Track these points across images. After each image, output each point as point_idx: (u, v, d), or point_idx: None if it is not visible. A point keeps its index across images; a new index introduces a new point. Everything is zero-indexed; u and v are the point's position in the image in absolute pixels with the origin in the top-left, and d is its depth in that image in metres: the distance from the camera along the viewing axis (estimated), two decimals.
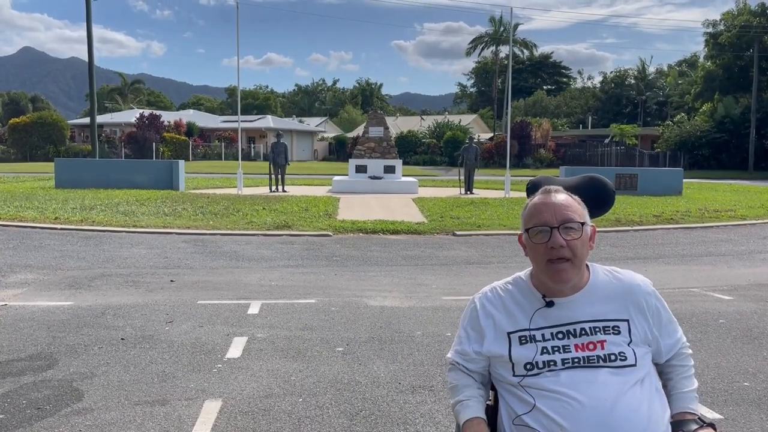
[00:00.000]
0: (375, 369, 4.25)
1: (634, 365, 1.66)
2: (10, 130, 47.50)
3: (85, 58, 25.79)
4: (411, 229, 11.36)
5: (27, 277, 7.13)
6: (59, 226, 11.00)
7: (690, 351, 1.86)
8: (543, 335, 1.70)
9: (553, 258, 1.66)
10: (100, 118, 48.33)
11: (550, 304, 1.71)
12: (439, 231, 11.40)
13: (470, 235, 11.12)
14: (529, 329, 1.71)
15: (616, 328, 1.69)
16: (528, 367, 1.68)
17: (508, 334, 1.73)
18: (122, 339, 4.84)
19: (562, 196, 1.71)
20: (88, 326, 5.16)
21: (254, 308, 5.81)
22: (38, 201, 14.56)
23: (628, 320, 1.71)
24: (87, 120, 37.73)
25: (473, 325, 1.82)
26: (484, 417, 1.75)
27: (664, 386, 1.78)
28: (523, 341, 1.71)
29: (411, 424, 3.41)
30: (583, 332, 1.68)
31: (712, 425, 1.68)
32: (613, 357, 1.65)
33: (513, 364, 1.70)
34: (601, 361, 1.65)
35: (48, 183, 20.53)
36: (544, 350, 1.68)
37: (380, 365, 4.32)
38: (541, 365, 1.67)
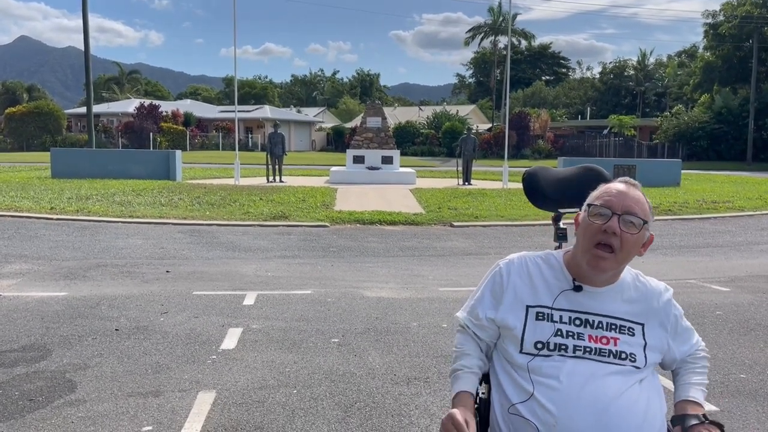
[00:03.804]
0: (370, 360, 4.23)
1: (640, 368, 1.65)
2: (7, 119, 47.30)
3: (83, 47, 25.61)
4: (408, 220, 11.33)
5: (21, 268, 7.09)
6: (55, 217, 10.95)
7: (705, 353, 1.85)
8: (561, 317, 1.67)
9: (601, 241, 1.62)
10: (97, 108, 48.11)
11: (578, 288, 1.69)
12: (437, 222, 11.37)
13: (468, 226, 11.10)
14: (551, 308, 1.69)
15: (631, 330, 1.69)
16: (539, 346, 1.65)
17: (527, 306, 1.71)
18: (116, 330, 4.81)
19: (638, 193, 1.69)
20: (83, 317, 5.14)
21: (250, 299, 5.78)
22: (34, 191, 14.50)
23: (643, 324, 1.71)
24: (84, 110, 37.50)
25: (492, 289, 1.79)
26: (473, 391, 1.73)
27: (673, 380, 1.80)
28: (540, 317, 1.68)
29: (405, 415, 3.40)
30: (600, 325, 1.67)
31: (718, 425, 1.65)
32: (623, 356, 1.64)
33: (523, 340, 1.67)
34: (612, 356, 1.63)
35: (44, 173, 20.45)
36: (559, 332, 1.66)
37: (375, 357, 4.30)
38: (552, 347, 1.64)
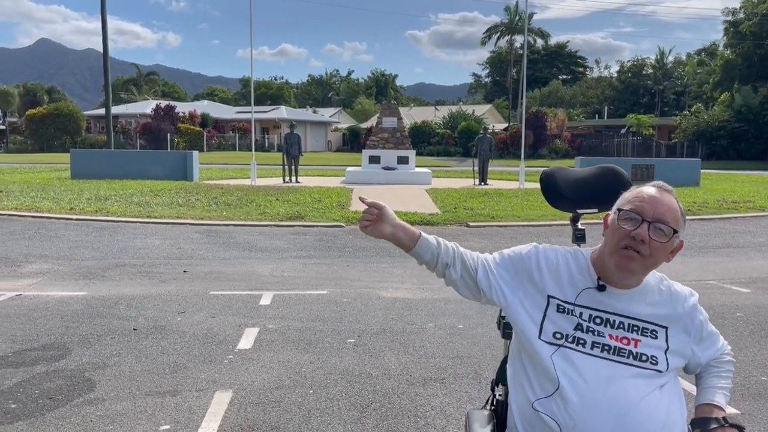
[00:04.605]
0: (386, 361, 4.22)
1: (662, 372, 1.62)
2: (27, 121, 47.99)
3: (102, 49, 25.90)
4: (424, 220, 11.31)
5: (42, 267, 7.18)
6: (74, 217, 11.08)
7: (731, 358, 1.83)
8: (581, 314, 1.66)
9: (628, 246, 1.60)
10: (116, 109, 48.57)
11: (601, 288, 1.67)
12: (453, 222, 11.34)
13: (484, 226, 11.05)
14: (573, 304, 1.67)
15: (654, 333, 1.66)
16: (557, 336, 1.63)
17: (549, 296, 1.69)
18: (134, 329, 4.85)
19: (671, 199, 1.65)
20: (101, 316, 5.19)
21: (266, 299, 5.81)
22: (54, 192, 14.69)
23: (667, 328, 1.68)
24: (103, 111, 37.88)
25: (516, 263, 1.76)
26: (423, 234, 1.82)
27: (696, 384, 1.77)
28: (561, 310, 1.67)
29: (421, 416, 3.39)
30: (621, 326, 1.65)
31: (738, 427, 1.63)
32: (644, 358, 1.62)
33: (542, 327, 1.66)
34: (631, 357, 1.61)
35: (64, 174, 20.70)
36: (578, 327, 1.64)
37: (391, 357, 4.30)
38: (570, 339, 1.63)
